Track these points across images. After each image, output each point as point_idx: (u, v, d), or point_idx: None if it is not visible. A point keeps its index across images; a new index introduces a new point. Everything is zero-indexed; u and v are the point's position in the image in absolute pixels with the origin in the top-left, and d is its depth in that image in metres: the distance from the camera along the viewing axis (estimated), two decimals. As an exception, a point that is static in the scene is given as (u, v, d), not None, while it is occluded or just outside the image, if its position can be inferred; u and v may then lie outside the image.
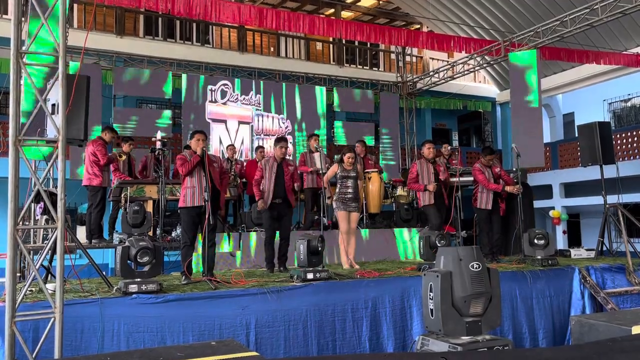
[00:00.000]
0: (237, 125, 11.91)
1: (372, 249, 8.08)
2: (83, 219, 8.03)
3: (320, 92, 12.88)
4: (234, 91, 11.95)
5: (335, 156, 10.71)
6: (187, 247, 5.56)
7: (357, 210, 6.89)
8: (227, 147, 10.04)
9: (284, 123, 12.40)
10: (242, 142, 11.91)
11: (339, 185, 6.81)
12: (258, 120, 12.13)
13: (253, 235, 7.56)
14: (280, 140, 6.48)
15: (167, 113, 11.39)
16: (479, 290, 3.32)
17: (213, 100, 11.70)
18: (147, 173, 8.75)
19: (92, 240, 7.16)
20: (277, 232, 6.40)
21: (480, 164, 7.28)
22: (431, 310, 3.32)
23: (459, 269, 3.31)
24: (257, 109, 12.12)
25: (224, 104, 11.82)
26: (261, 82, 12.31)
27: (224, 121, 11.79)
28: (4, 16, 11.56)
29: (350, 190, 6.78)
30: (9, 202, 3.36)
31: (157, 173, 7.81)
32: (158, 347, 3.75)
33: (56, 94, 3.97)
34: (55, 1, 3.62)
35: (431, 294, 3.32)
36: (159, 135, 8.33)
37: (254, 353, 2.36)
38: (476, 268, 3.33)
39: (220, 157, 8.02)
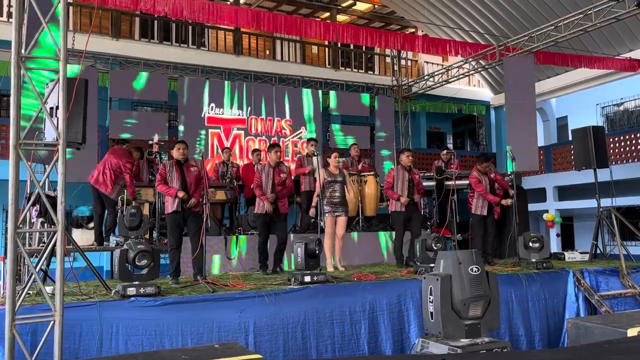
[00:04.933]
0: (231, 130, 11.93)
1: (367, 252, 8.10)
2: (79, 222, 8.01)
3: (315, 95, 12.94)
4: (229, 101, 11.96)
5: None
6: (174, 250, 5.73)
7: (344, 214, 6.95)
8: (223, 150, 10.04)
9: (288, 125, 12.46)
10: (237, 143, 11.93)
11: (325, 190, 6.85)
12: (253, 124, 12.16)
13: (250, 238, 7.56)
14: (274, 146, 6.70)
15: (163, 116, 11.40)
16: (478, 293, 3.35)
17: (210, 110, 11.71)
18: (142, 176, 8.73)
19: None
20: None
21: (477, 172, 7.36)
22: (431, 313, 3.35)
23: (458, 272, 3.34)
24: (251, 113, 12.14)
25: (222, 114, 11.85)
26: (254, 89, 12.33)
27: (219, 127, 11.81)
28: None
29: (337, 194, 6.87)
30: (10, 205, 3.36)
31: (154, 176, 7.80)
32: (162, 350, 3.75)
33: (55, 97, 3.98)
34: (56, 4, 3.63)
35: (431, 297, 3.35)
36: (156, 138, 8.33)
37: (257, 355, 2.38)
38: (475, 271, 3.36)
39: (216, 160, 8.04)
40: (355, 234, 8.27)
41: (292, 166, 9.11)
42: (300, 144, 12.33)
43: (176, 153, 5.79)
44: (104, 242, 7.32)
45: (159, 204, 7.44)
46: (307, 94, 12.89)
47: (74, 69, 9.77)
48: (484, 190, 7.24)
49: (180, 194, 5.60)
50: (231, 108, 11.95)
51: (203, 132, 11.56)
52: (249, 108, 12.12)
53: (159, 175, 5.79)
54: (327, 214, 6.77)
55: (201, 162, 5.97)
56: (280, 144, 12.12)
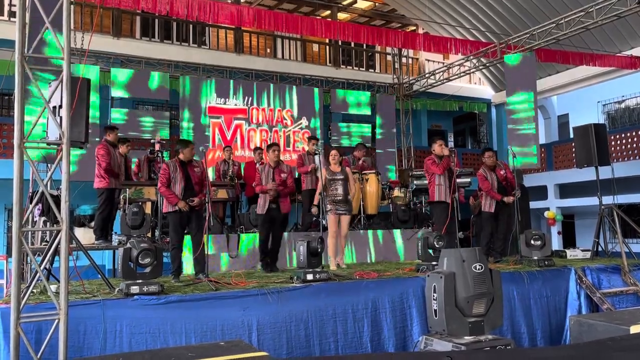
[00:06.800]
0: (232, 121, 12.01)
1: (369, 251, 8.12)
2: (81, 221, 8.02)
3: (316, 93, 12.98)
4: (231, 93, 12.04)
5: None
6: (176, 249, 5.73)
7: (347, 213, 6.91)
8: (224, 149, 10.04)
9: (289, 115, 12.54)
10: (238, 133, 11.99)
11: (327, 189, 6.83)
12: (254, 114, 12.23)
13: (251, 237, 7.57)
14: (272, 145, 6.69)
15: (164, 114, 11.43)
16: (481, 290, 3.36)
17: (211, 100, 11.80)
18: (143, 174, 8.73)
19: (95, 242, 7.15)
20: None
21: (483, 169, 7.31)
22: (435, 310, 3.36)
23: (462, 270, 3.35)
24: (252, 104, 12.23)
25: (223, 103, 11.93)
26: (255, 83, 12.38)
27: (220, 117, 11.89)
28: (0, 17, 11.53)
29: (339, 192, 6.80)
30: (14, 204, 3.37)
31: (156, 175, 7.80)
32: (168, 347, 3.77)
33: (57, 96, 3.99)
34: (59, 3, 3.63)
35: (435, 294, 3.36)
36: (157, 137, 8.33)
37: (263, 353, 2.39)
38: (479, 269, 3.37)
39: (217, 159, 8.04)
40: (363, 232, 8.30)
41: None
42: (301, 134, 12.40)
43: (189, 154, 5.77)
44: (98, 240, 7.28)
45: (161, 202, 7.44)
46: (307, 92, 12.90)
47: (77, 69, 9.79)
48: (489, 187, 7.19)
49: (181, 205, 5.57)
50: (232, 98, 12.05)
51: (207, 128, 11.64)
52: (250, 99, 12.22)
53: (162, 177, 5.72)
54: (329, 213, 6.75)
55: (203, 163, 5.99)
56: (282, 133, 12.27)
